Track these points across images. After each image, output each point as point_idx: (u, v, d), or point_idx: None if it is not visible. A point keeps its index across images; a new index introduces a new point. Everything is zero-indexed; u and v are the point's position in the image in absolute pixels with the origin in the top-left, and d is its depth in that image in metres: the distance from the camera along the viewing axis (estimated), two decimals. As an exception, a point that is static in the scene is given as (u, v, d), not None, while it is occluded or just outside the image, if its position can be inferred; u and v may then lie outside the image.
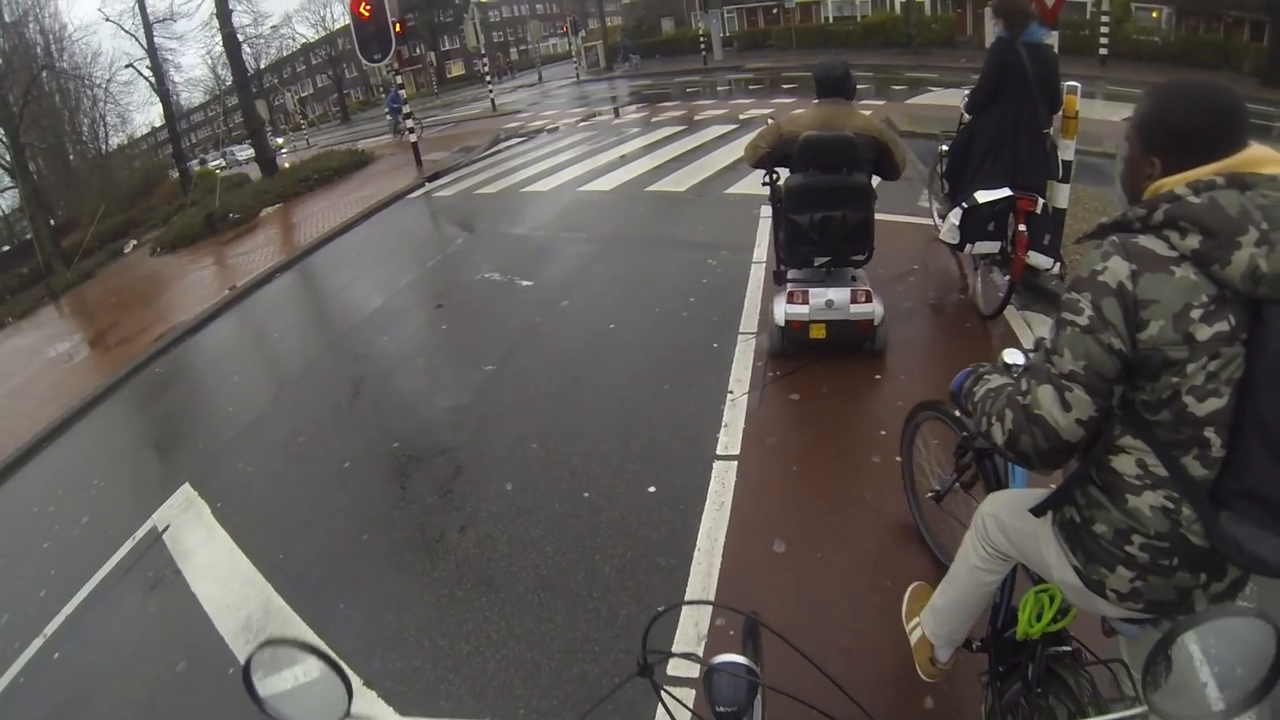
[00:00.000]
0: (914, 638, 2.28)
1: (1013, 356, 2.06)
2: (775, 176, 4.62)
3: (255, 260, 11.83)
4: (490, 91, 26.86)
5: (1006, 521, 1.80)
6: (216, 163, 33.71)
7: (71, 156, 28.94)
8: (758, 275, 6.24)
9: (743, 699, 1.07)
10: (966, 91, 5.02)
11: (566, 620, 3.10)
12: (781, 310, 4.48)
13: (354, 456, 4.92)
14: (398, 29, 13.62)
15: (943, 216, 5.35)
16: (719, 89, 21.91)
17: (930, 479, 3.00)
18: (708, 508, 3.63)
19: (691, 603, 3.01)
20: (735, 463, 3.93)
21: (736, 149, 11.26)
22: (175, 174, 28.41)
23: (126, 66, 24.99)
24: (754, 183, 8.86)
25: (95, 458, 6.68)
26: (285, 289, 9.95)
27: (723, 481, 3.80)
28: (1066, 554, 1.57)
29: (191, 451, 5.78)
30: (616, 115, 18.87)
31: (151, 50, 22.32)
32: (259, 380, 6.92)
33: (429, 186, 13.76)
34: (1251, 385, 1.26)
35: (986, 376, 1.68)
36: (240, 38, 21.12)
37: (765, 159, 4.46)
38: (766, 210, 7.51)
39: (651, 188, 9.99)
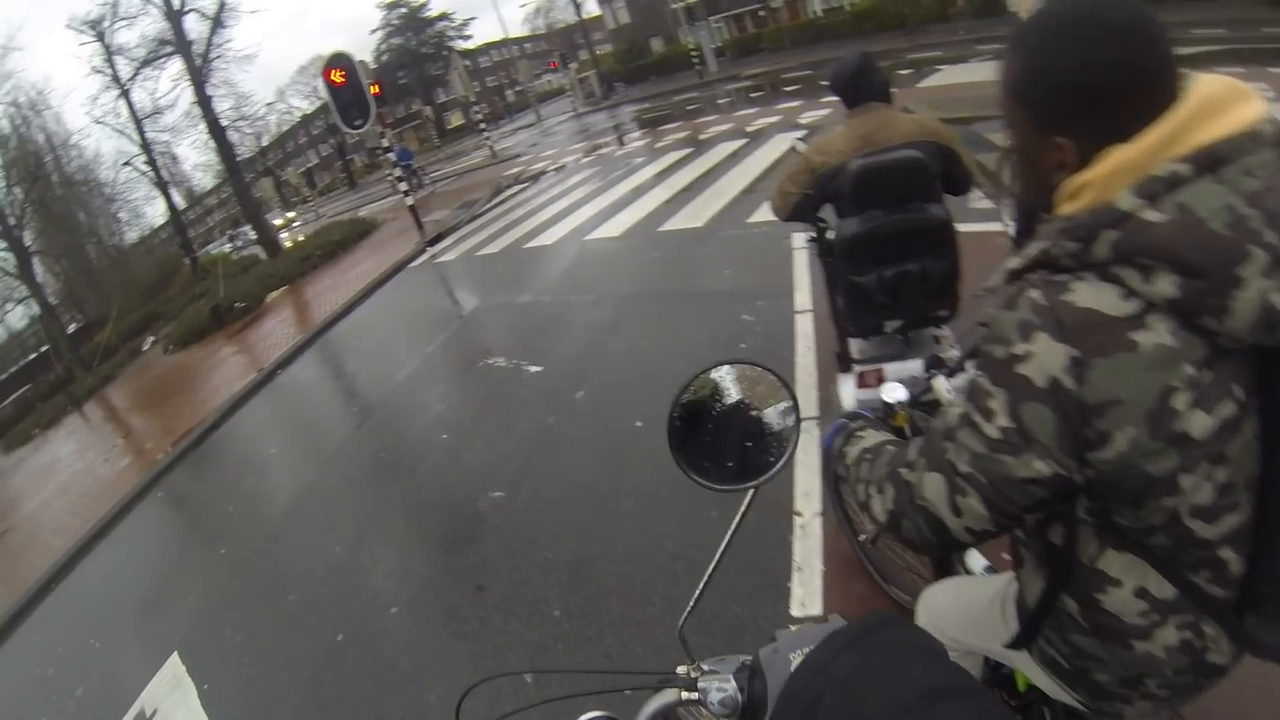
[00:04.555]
0: None
1: (893, 393, 1.82)
2: (823, 227, 3.39)
3: (256, 356, 11.66)
4: (488, 139, 26.28)
5: (963, 626, 1.50)
6: (225, 247, 33.89)
7: (92, 256, 29.12)
8: (804, 329, 5.24)
9: None
10: None
11: None
12: (850, 398, 3.42)
13: (348, 626, 4.16)
14: (375, 90, 13.23)
15: (1016, 222, 4.37)
16: (720, 102, 20.97)
17: (862, 518, 2.44)
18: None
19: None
20: (821, 629, 2.95)
21: (751, 167, 10.41)
22: (188, 263, 28.52)
23: (124, 165, 25.01)
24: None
25: (96, 605, 6.50)
26: (278, 398, 9.59)
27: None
28: (1063, 687, 1.22)
29: (181, 611, 5.35)
30: (621, 144, 18.09)
31: (145, 145, 22.23)
32: (248, 515, 6.39)
33: (431, 251, 13.20)
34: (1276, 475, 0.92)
35: (859, 434, 1.34)
36: (224, 122, 20.87)
37: (801, 207, 3.27)
38: (799, 239, 6.65)
39: (665, 226, 9.01)
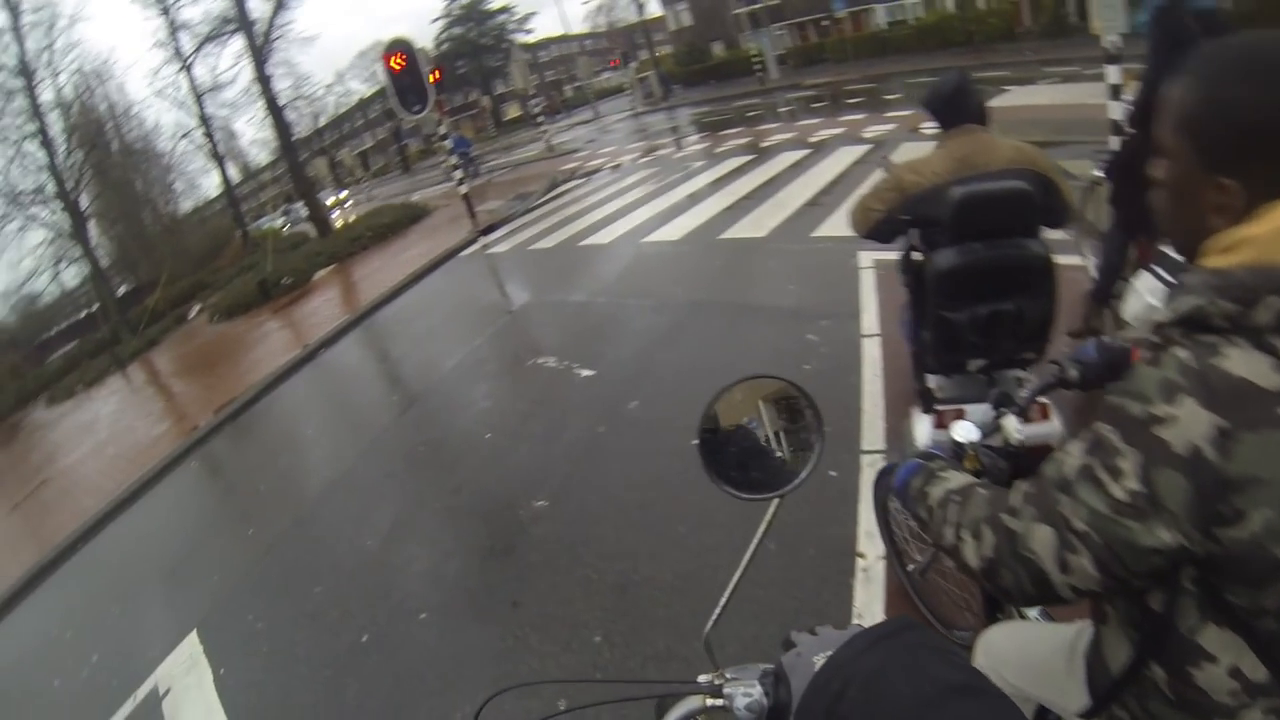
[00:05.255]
0: None
1: (965, 432, 1.72)
2: (917, 255, 3.10)
3: (300, 333, 11.63)
4: (545, 132, 26.16)
5: (1025, 674, 1.43)
6: (279, 221, 34.25)
7: (147, 222, 29.65)
8: (872, 355, 4.91)
9: None
10: (1128, 99, 3.83)
11: None
12: (926, 436, 3.13)
13: (374, 627, 3.98)
14: (434, 78, 13.05)
15: (1099, 257, 4.10)
16: (781, 110, 20.48)
17: (911, 550, 2.65)
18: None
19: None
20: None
21: (814, 179, 10.06)
22: (239, 235, 28.89)
23: (182, 137, 25.43)
24: (845, 222, 7.84)
25: (120, 570, 6.51)
26: (319, 378, 9.48)
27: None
28: None
29: (204, 588, 5.26)
30: (679, 146, 17.79)
31: (204, 119, 22.52)
32: (280, 496, 6.26)
33: (483, 241, 13.02)
34: None
35: (941, 474, 1.28)
36: (282, 101, 21.11)
37: (882, 226, 3.06)
38: (866, 258, 6.35)
39: (726, 234, 8.70)
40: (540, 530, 4.20)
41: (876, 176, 3.16)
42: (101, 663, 4.92)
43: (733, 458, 1.14)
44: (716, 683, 0.92)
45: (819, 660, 0.80)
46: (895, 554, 2.84)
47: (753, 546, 1.06)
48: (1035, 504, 1.00)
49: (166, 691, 4.21)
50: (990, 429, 1.88)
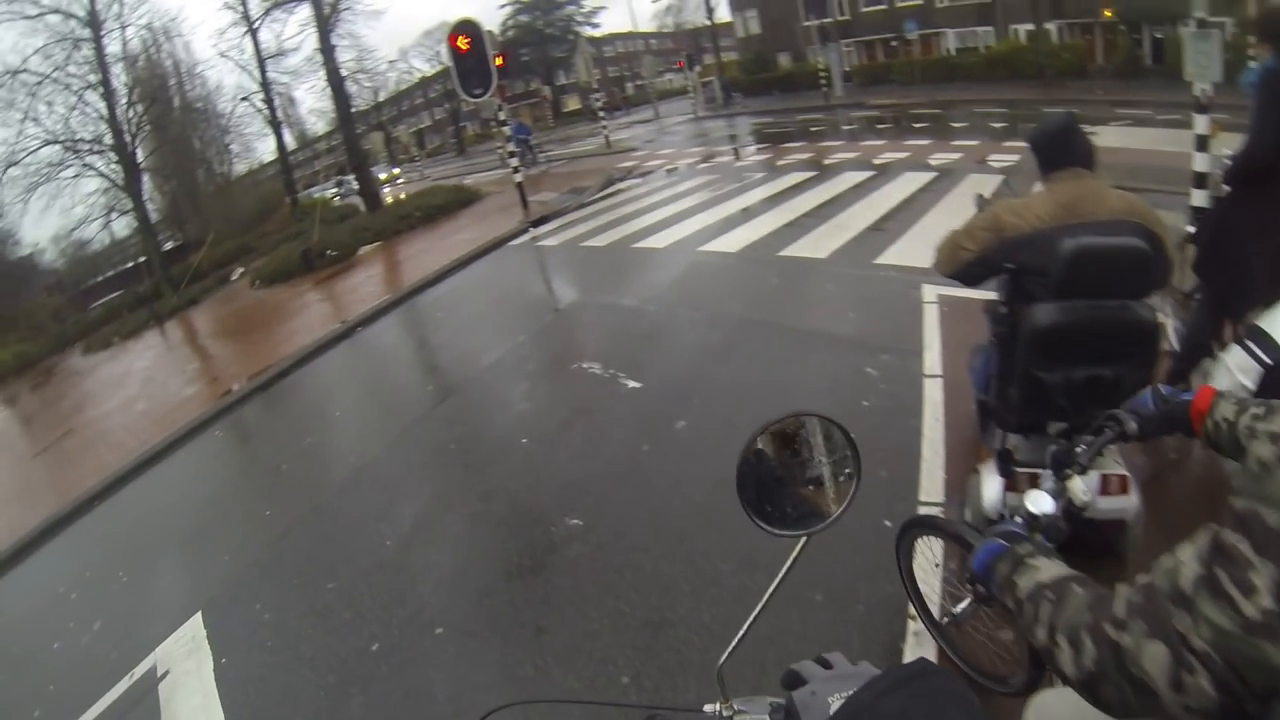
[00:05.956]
0: None
1: (1040, 504, 1.59)
2: (1014, 305, 2.80)
3: (340, 307, 11.56)
4: (604, 127, 25.99)
5: None
6: (332, 191, 34.48)
7: (200, 180, 29.99)
8: (934, 397, 4.57)
9: None
10: (1228, 154, 3.54)
11: None
12: (995, 500, 2.85)
13: (386, 635, 3.74)
14: (498, 62, 12.99)
15: (1184, 324, 3.86)
16: (845, 128, 20.10)
17: (944, 600, 2.61)
18: None
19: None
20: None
21: (877, 202, 9.71)
22: (289, 202, 29.10)
23: (242, 100, 25.63)
24: (909, 251, 7.59)
25: (133, 534, 6.44)
26: (354, 356, 9.33)
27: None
28: None
29: (216, 567, 5.10)
30: (738, 157, 17.47)
31: (265, 84, 22.66)
32: (301, 479, 6.08)
33: (533, 232, 12.82)
34: None
35: (1031, 562, 1.18)
36: (344, 73, 21.12)
37: (972, 267, 2.80)
38: (930, 292, 6.05)
39: (785, 251, 8.35)
40: (572, 551, 3.93)
41: (976, 212, 2.92)
42: (104, 631, 4.80)
43: (769, 492, 1.14)
44: (725, 713, 0.95)
45: (835, 701, 0.81)
46: (920, 605, 2.73)
47: (776, 581, 1.05)
48: (1145, 617, 0.93)
49: (165, 674, 4.06)
50: (1057, 492, 1.77)
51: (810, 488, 1.15)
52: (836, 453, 1.14)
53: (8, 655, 5.13)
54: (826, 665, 0.93)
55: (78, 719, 3.98)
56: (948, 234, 2.87)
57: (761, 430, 1.12)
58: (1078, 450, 1.88)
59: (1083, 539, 2.43)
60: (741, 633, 1.06)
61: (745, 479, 1.11)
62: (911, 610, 2.96)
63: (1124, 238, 2.46)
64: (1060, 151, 2.74)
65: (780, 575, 1.06)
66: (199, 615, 4.47)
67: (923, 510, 3.57)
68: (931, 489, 3.72)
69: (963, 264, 2.79)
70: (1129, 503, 2.68)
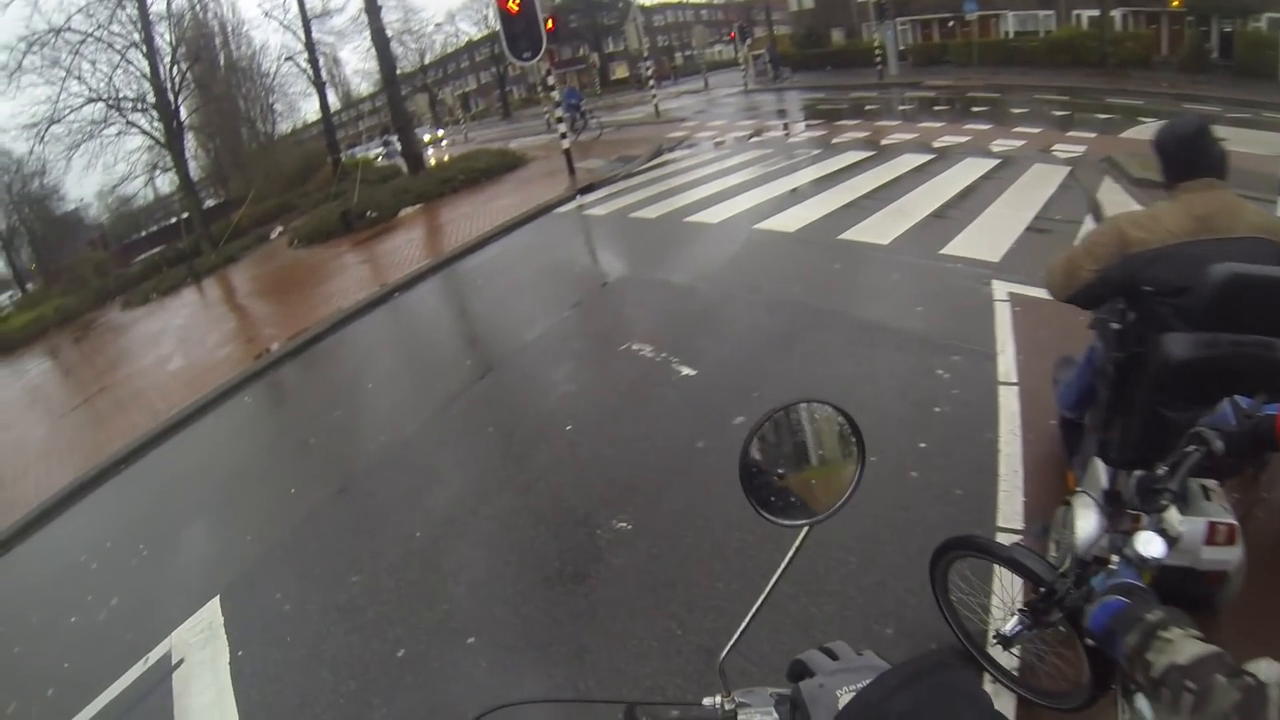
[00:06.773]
0: None
1: (1151, 547, 1.56)
2: (1137, 331, 2.55)
3: (378, 270, 11.36)
4: (653, 96, 25.41)
5: None
6: (376, 151, 34.40)
7: (244, 138, 30.02)
8: (1010, 407, 4.11)
9: None
10: None
11: None
12: (1090, 536, 2.47)
13: (413, 640, 3.46)
14: (549, 26, 12.60)
15: None
16: (900, 108, 19.32)
17: (986, 618, 2.56)
18: None
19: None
20: None
21: (939, 188, 9.13)
22: (331, 162, 29.07)
23: (286, 59, 25.51)
24: (977, 242, 7.08)
25: (156, 505, 6.23)
26: (390, 324, 9.09)
27: None
28: None
29: (237, 547, 4.88)
30: (790, 132, 16.84)
31: (309, 44, 22.46)
32: (328, 456, 5.82)
33: (580, 200, 12.40)
34: None
35: (1164, 634, 1.17)
36: (390, 34, 20.79)
37: (1095, 288, 2.52)
38: (1001, 289, 5.60)
39: (846, 235, 7.82)
40: (619, 559, 3.56)
41: (1095, 225, 2.56)
42: (120, 608, 4.66)
43: (773, 481, 1.11)
44: (727, 706, 0.95)
45: (844, 695, 0.80)
46: (960, 628, 2.67)
47: (778, 572, 1.03)
48: None
49: (179, 661, 3.89)
50: (1160, 528, 1.71)
51: (815, 477, 1.12)
52: (842, 440, 1.11)
53: (27, 624, 4.99)
54: (832, 655, 0.89)
55: (90, 703, 3.82)
56: (1061, 253, 2.63)
57: (766, 417, 1.08)
58: (1159, 473, 1.79)
59: (1183, 589, 2.32)
60: (743, 627, 1.05)
61: (749, 468, 1.08)
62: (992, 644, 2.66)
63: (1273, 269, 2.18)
64: (1192, 159, 2.48)
65: (782, 566, 1.05)
66: (217, 600, 4.28)
67: (1001, 537, 3.15)
68: (1010, 513, 3.32)
69: (1082, 285, 2.52)
70: (1235, 554, 2.40)
